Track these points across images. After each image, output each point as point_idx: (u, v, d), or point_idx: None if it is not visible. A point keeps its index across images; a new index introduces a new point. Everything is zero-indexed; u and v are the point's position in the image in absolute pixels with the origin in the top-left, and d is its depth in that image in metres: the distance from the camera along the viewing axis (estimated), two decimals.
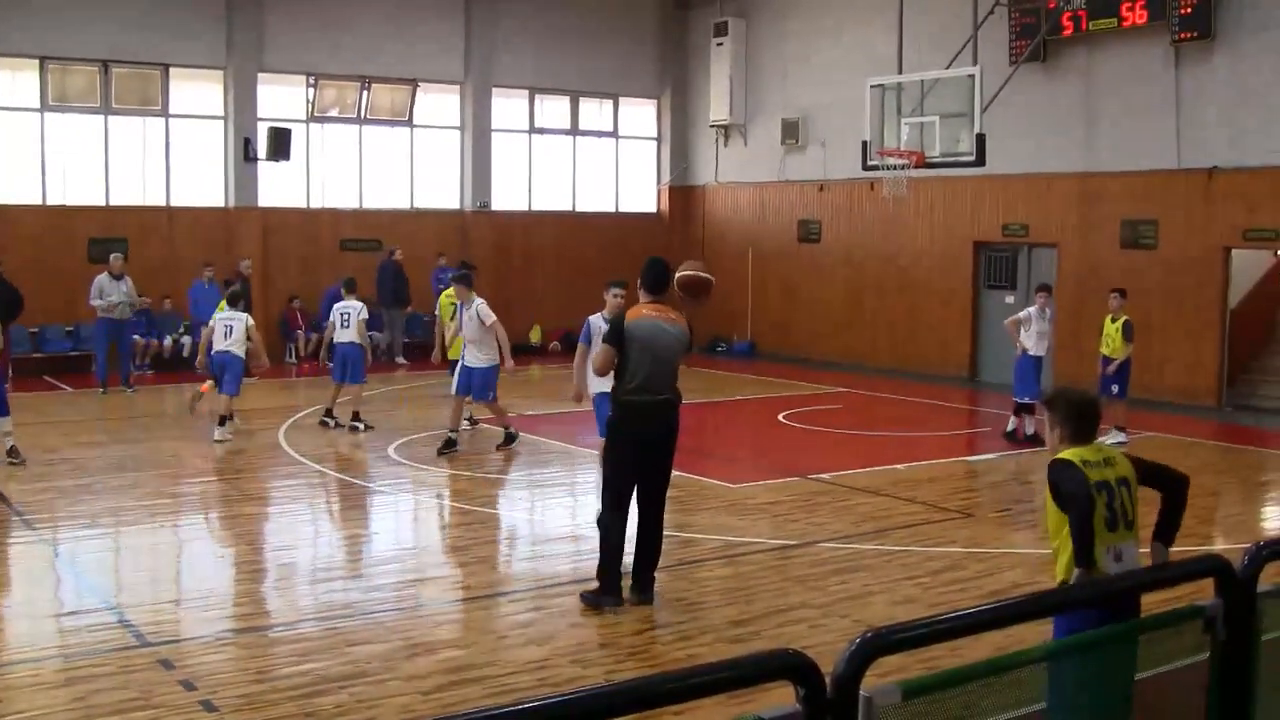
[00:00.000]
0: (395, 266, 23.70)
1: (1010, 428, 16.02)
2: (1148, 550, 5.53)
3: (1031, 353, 15.79)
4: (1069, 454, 5.39)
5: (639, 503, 9.04)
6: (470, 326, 14.57)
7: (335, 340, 16.41)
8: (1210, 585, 4.56)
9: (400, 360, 23.71)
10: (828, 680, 3.21)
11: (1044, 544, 10.33)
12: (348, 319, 16.20)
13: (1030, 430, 15.52)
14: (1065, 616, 4.97)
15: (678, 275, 9.23)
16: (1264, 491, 14.23)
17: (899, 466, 14.09)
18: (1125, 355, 15.56)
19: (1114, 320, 15.70)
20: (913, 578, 9.70)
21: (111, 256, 19.79)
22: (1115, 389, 15.45)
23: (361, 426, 15.99)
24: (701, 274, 9.34)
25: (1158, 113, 19.41)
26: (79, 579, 9.67)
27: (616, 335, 8.92)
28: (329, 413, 16.38)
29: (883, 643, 3.43)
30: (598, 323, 11.55)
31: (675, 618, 8.52)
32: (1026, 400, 15.70)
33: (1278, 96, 18.05)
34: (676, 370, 9.05)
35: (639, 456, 8.96)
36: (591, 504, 13.06)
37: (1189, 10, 18.65)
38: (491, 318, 14.50)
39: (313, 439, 15.63)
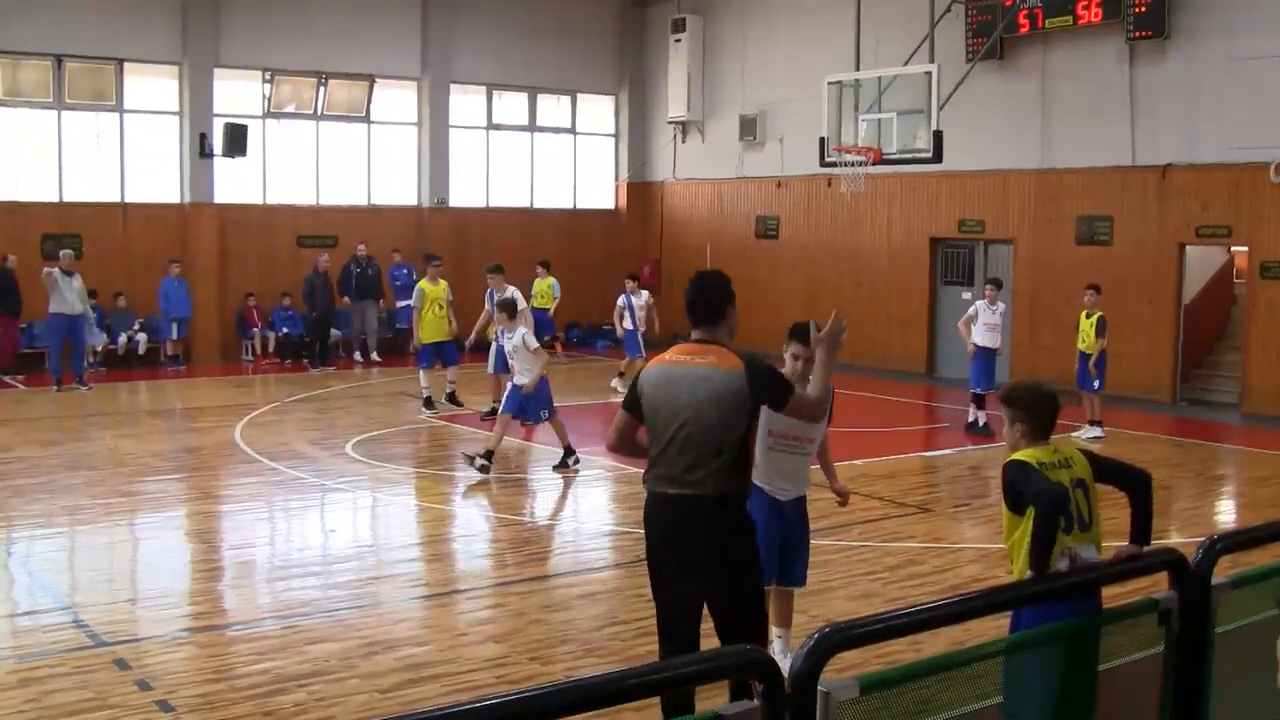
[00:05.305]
0: (365, 262, 23.62)
1: (970, 419, 16.39)
2: (1114, 551, 5.36)
3: (980, 344, 16.25)
4: (1024, 456, 5.12)
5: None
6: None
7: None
8: (1165, 579, 4.62)
9: (375, 357, 23.71)
10: (786, 676, 3.23)
11: (1002, 539, 10.42)
12: None
13: (984, 420, 16.04)
14: (1024, 614, 4.94)
15: None
16: (1218, 486, 14.37)
17: (857, 462, 14.12)
18: (1099, 350, 15.78)
19: (1089, 316, 15.87)
20: (871, 573, 9.74)
21: (61, 253, 19.58)
22: (1096, 384, 15.71)
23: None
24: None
25: (1112, 110, 19.57)
26: (33, 579, 9.55)
27: (630, 394, 5.97)
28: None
29: (841, 638, 3.46)
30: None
31: (636, 614, 8.51)
32: (979, 391, 16.23)
33: (1230, 95, 18.22)
34: (723, 444, 5.60)
35: (665, 578, 5.85)
36: (549, 499, 13.07)
37: (1143, 9, 18.80)
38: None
39: (269, 436, 15.52)
